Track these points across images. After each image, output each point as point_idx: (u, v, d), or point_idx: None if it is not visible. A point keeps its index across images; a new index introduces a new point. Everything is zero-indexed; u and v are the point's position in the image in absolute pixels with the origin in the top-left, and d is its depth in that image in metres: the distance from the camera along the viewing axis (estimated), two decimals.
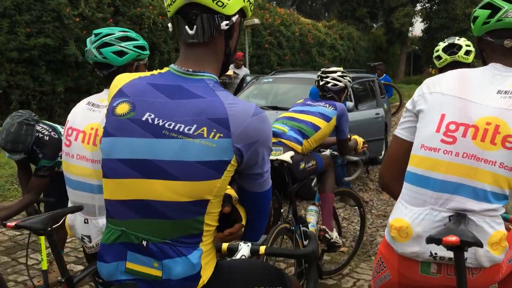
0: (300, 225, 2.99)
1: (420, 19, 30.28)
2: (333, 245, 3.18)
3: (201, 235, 1.23)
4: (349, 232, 4.66)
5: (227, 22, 1.26)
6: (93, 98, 2.23)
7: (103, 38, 2.05)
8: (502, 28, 1.55)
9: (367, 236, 4.49)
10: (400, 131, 1.70)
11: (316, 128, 3.15)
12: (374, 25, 31.88)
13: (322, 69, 3.51)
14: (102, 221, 2.08)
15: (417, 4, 30.09)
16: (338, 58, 20.70)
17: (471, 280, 1.50)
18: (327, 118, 3.18)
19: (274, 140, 3.01)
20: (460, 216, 1.46)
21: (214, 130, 1.18)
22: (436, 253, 1.50)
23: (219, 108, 1.21)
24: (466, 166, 1.48)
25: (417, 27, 34.28)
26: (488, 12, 1.56)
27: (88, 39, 2.11)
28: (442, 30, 27.94)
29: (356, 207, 5.27)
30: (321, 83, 3.40)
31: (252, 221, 1.36)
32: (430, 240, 1.39)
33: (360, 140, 3.49)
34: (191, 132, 1.19)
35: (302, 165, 3.02)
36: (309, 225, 3.07)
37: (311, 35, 19.14)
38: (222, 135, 1.18)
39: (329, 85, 3.35)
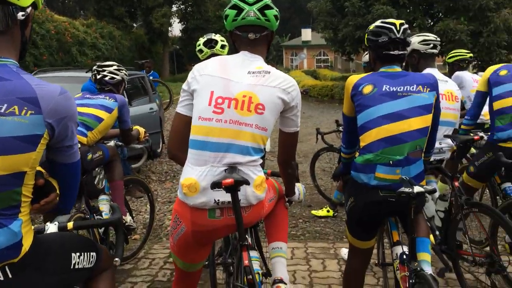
0: (94, 215, 3.10)
1: (178, 20, 31.98)
2: (128, 228, 3.38)
3: (19, 206, 1.35)
4: (139, 221, 4.89)
5: (23, 13, 1.38)
6: None
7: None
8: (246, 25, 2.05)
9: (156, 221, 4.80)
10: (180, 108, 2.06)
11: (99, 119, 3.28)
12: (134, 24, 32.09)
13: (97, 64, 3.63)
14: None
15: (173, 6, 31.64)
16: (102, 57, 20.20)
17: (245, 216, 1.97)
18: (108, 110, 3.33)
19: None
20: (232, 168, 1.91)
21: (25, 108, 1.32)
22: (219, 199, 1.91)
23: (27, 88, 1.34)
24: (232, 129, 1.93)
25: (176, 28, 36.08)
26: (235, 11, 2.04)
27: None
28: (198, 30, 30.14)
29: (142, 198, 5.53)
30: (98, 76, 3.52)
31: (64, 191, 1.52)
32: (214, 185, 1.80)
33: (141, 129, 3.76)
34: (2, 111, 1.28)
35: (89, 156, 3.12)
36: (103, 214, 3.20)
37: (69, 33, 18.14)
38: (33, 112, 1.33)
39: (106, 78, 3.50)
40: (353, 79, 2.40)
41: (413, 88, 2.28)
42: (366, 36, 2.47)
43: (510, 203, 3.10)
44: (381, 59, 2.42)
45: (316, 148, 5.61)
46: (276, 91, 1.98)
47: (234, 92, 1.95)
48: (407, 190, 2.01)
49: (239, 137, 1.93)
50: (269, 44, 2.18)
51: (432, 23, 15.80)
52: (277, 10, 2.11)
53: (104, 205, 3.32)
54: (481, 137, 3.47)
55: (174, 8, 31.83)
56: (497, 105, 3.39)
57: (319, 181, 5.73)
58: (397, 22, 2.38)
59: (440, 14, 15.84)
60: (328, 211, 4.86)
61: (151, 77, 9.83)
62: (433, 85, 2.33)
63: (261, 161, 2.02)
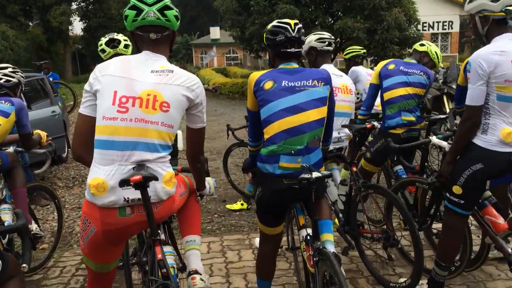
0: None
1: (79, 18, 30.36)
2: (35, 237, 3.22)
3: None
4: (47, 230, 4.65)
5: None
6: None
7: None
8: (147, 25, 2.08)
9: (66, 228, 4.61)
10: (83, 109, 2.04)
11: None
12: (30, 23, 29.95)
13: None
14: None
15: (73, 3, 29.98)
16: None
17: (156, 212, 2.01)
18: (5, 114, 3.15)
19: None
20: (141, 166, 1.94)
21: None
22: (128, 197, 1.93)
23: None
24: (138, 128, 1.96)
25: (78, 26, 34.26)
26: (134, 12, 2.06)
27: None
28: (101, 29, 28.88)
29: (48, 206, 5.26)
30: None
31: None
32: (122, 182, 1.82)
33: (43, 133, 3.59)
34: None
35: None
36: (5, 223, 3.02)
37: None
38: None
39: (1, 81, 3.30)
40: (255, 75, 2.53)
41: (309, 83, 2.47)
42: (264, 35, 2.62)
43: (400, 183, 3.45)
44: (279, 57, 2.58)
45: (228, 144, 5.73)
46: (180, 89, 2.04)
47: (138, 91, 1.98)
48: (306, 176, 2.19)
49: (145, 135, 1.96)
50: (172, 43, 2.23)
51: (332, 21, 16.68)
52: (177, 10, 2.17)
53: (6, 214, 3.13)
54: (374, 126, 3.83)
55: (74, 6, 30.19)
56: (387, 95, 3.76)
57: (232, 176, 5.87)
58: (292, 22, 2.55)
59: (339, 13, 16.78)
60: (242, 204, 5.01)
61: (51, 79, 9.31)
62: (326, 80, 2.53)
63: (169, 157, 2.07)
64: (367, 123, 3.42)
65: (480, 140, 2.59)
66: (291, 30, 2.51)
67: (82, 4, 30.32)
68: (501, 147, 2.54)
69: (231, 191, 5.64)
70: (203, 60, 40.02)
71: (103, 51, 3.55)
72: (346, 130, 3.50)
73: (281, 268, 3.47)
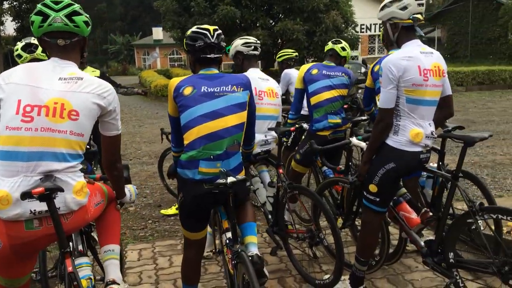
0: None
1: (11, 18, 28.85)
2: None
3: None
4: None
5: None
6: None
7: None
8: (55, 31, 2.03)
9: None
10: None
11: None
12: None
13: None
14: None
15: (4, 2, 28.45)
16: None
17: (66, 223, 1.96)
18: None
19: None
20: (48, 176, 1.89)
21: None
22: (35, 210, 1.87)
23: None
24: (45, 137, 1.90)
25: (10, 26, 32.51)
26: (40, 18, 2.01)
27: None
28: None
29: None
30: None
31: None
32: (23, 195, 1.77)
33: None
34: None
35: None
36: None
37: None
38: None
39: None
40: (175, 81, 2.53)
41: (228, 88, 2.50)
42: (185, 41, 2.63)
43: (325, 183, 3.57)
44: (199, 62, 2.60)
45: (164, 148, 5.67)
46: (90, 97, 2.00)
47: (44, 99, 1.93)
48: (222, 181, 2.22)
49: (53, 144, 1.91)
50: (83, 49, 2.19)
51: (273, 23, 16.94)
52: (88, 16, 2.13)
53: None
54: (302, 127, 3.95)
55: (6, 5, 28.62)
56: (314, 100, 3.89)
57: (168, 181, 5.81)
58: (211, 28, 2.58)
59: (280, 15, 17.08)
60: (177, 208, 4.97)
61: None
62: (245, 85, 2.58)
63: (80, 166, 2.03)
64: (290, 126, 3.51)
65: (391, 141, 2.74)
66: (210, 36, 2.53)
67: (14, 3, 28.82)
68: (410, 146, 2.69)
69: (167, 195, 5.58)
70: (145, 62, 39.29)
71: (20, 56, 3.41)
72: (273, 132, 3.58)
73: (211, 271, 3.49)
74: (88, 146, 3.45)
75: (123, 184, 2.44)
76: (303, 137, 4.32)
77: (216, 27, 2.63)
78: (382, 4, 2.80)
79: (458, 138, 2.79)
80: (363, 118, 4.11)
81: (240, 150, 2.56)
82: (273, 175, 4.42)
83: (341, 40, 4.18)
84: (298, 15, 15.99)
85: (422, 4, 2.72)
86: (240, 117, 2.51)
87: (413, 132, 2.68)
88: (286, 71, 5.47)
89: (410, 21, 2.70)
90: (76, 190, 1.97)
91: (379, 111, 2.76)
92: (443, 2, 34.17)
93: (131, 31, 51.12)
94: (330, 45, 4.11)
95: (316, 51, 15.95)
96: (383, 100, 2.70)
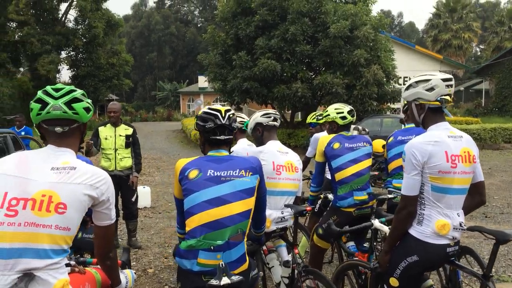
0: None
1: (67, 66, 30.67)
2: None
3: None
4: None
5: None
6: None
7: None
8: (53, 118, 2.00)
9: None
10: None
11: None
12: (21, 69, 30.20)
13: None
14: None
15: (62, 52, 30.39)
16: None
17: None
18: None
19: None
20: (26, 276, 1.79)
21: None
22: None
23: None
24: (28, 233, 1.82)
25: (65, 74, 34.67)
26: (39, 105, 1.99)
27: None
28: (89, 77, 29.25)
29: None
30: None
31: None
32: None
33: None
34: None
35: None
36: None
37: None
38: None
39: None
40: (181, 163, 2.44)
41: (235, 173, 2.38)
42: (195, 121, 2.56)
43: (345, 266, 3.31)
44: (209, 143, 2.51)
45: None
46: (81, 188, 1.92)
47: (32, 191, 1.86)
48: (215, 282, 2.05)
49: (35, 240, 1.82)
50: (82, 134, 2.15)
51: (314, 76, 17.00)
52: (89, 101, 2.10)
53: None
54: (323, 198, 3.76)
55: (64, 55, 30.59)
56: (338, 176, 3.72)
57: None
58: (223, 109, 2.50)
59: (320, 68, 17.14)
60: None
61: (23, 133, 9.18)
62: (255, 169, 2.45)
63: (64, 261, 1.92)
64: (306, 205, 3.33)
65: (415, 231, 2.50)
66: (221, 117, 2.45)
67: (72, 53, 30.71)
68: (436, 239, 2.44)
69: None
70: (190, 108, 40.41)
71: None
72: (290, 209, 3.40)
73: None
74: None
75: (117, 273, 2.31)
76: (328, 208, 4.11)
77: (229, 107, 2.55)
78: (408, 84, 2.64)
79: (490, 233, 2.50)
80: (390, 196, 3.85)
81: (244, 240, 2.39)
82: None
83: (344, 105, 3.95)
84: (339, 68, 15.98)
85: (451, 85, 2.54)
86: (247, 204, 2.36)
87: (439, 223, 2.43)
88: (316, 135, 5.34)
89: (438, 103, 2.51)
90: None
91: (401, 198, 2.54)
92: (492, 55, 33.39)
93: (178, 79, 53.17)
94: (331, 116, 3.92)
95: (356, 105, 15.73)
96: (406, 187, 2.48)
